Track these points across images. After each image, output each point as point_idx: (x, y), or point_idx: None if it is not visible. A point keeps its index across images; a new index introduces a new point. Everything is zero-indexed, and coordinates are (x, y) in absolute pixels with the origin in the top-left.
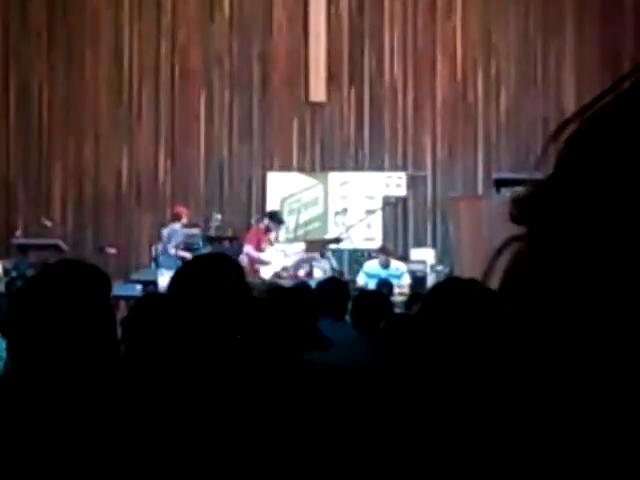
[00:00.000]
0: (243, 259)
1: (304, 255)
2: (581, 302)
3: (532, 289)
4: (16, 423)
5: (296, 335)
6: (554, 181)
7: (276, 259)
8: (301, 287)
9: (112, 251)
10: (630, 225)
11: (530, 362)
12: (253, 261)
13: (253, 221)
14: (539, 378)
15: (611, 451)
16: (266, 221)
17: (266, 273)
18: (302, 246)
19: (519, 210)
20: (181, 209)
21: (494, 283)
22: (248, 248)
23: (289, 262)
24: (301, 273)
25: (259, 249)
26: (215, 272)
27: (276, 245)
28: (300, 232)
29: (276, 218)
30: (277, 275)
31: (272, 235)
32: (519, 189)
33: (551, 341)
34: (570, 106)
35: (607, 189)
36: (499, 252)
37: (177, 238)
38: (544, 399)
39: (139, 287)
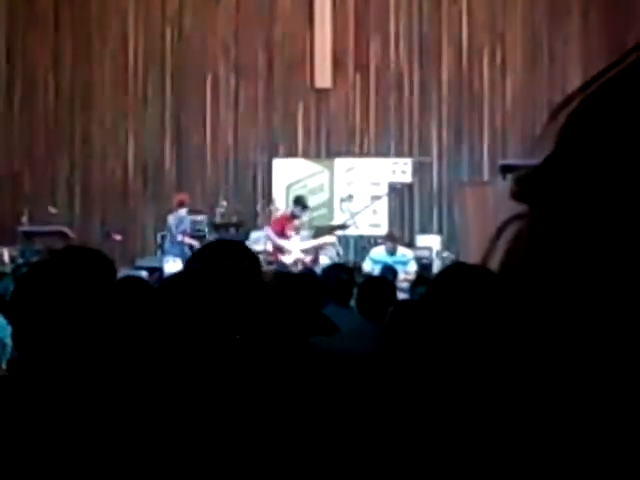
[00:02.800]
0: (264, 243)
1: (321, 242)
2: (584, 280)
3: (533, 267)
4: (22, 409)
5: (302, 320)
6: (556, 157)
7: (297, 247)
8: (307, 273)
9: (118, 237)
10: (633, 202)
11: (532, 342)
12: (274, 246)
13: (259, 208)
14: (543, 359)
15: (613, 434)
16: (292, 207)
17: (287, 260)
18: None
19: (521, 187)
20: (183, 196)
21: (496, 262)
22: (268, 230)
23: (305, 247)
24: (307, 259)
25: (283, 235)
26: (227, 257)
27: (302, 233)
28: (306, 219)
29: (300, 203)
30: (296, 262)
31: (297, 222)
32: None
33: (553, 320)
34: None
35: (610, 165)
36: (501, 231)
37: (184, 225)
38: (549, 380)
39: (145, 274)
